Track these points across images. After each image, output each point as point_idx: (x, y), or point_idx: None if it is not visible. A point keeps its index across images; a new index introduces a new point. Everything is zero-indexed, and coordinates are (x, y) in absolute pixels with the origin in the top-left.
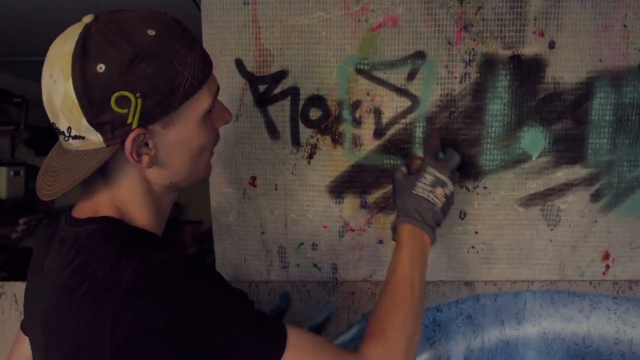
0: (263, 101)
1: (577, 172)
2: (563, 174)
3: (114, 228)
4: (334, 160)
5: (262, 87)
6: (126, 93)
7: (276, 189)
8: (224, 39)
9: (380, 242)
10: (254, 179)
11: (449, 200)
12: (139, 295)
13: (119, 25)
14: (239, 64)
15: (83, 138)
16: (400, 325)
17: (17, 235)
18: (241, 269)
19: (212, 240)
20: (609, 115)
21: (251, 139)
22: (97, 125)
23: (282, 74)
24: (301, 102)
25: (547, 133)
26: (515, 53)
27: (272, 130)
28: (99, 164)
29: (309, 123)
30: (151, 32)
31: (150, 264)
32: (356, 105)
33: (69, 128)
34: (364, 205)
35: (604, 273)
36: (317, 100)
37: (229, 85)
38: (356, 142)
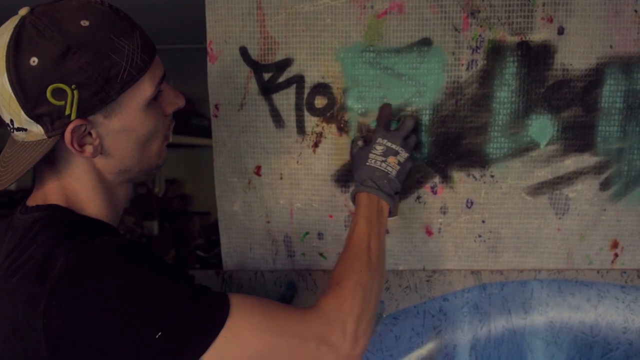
0: (268, 89)
1: (586, 160)
2: (572, 162)
3: (59, 216)
4: (339, 149)
5: (266, 76)
6: (61, 85)
7: (281, 178)
8: (228, 27)
9: (387, 231)
10: (258, 168)
11: (404, 167)
12: (71, 279)
13: (52, 17)
14: (244, 51)
15: (25, 130)
16: (356, 279)
17: None
18: (247, 257)
19: None
20: (619, 103)
21: (256, 127)
22: (36, 118)
23: (287, 62)
24: (306, 91)
25: (555, 121)
26: (524, 39)
27: (277, 118)
28: (41, 155)
29: (314, 111)
30: (85, 23)
31: (85, 250)
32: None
33: (11, 121)
34: None
35: (612, 262)
36: (322, 88)
37: (233, 74)
38: (362, 130)
